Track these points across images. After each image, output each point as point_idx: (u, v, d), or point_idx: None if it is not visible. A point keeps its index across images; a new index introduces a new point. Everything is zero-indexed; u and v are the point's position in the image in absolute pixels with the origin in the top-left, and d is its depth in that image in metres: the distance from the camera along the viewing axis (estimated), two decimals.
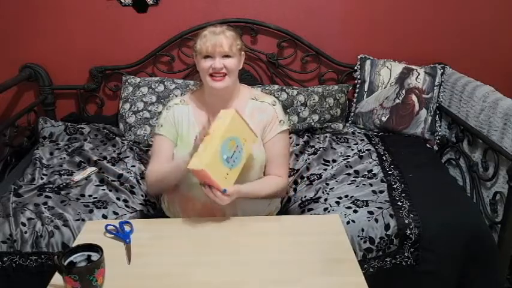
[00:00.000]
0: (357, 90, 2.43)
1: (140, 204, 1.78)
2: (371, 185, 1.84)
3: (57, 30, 2.45)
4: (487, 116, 1.88)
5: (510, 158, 1.68)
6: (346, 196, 1.76)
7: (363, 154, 2.07)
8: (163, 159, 1.55)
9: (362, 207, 1.68)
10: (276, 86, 2.38)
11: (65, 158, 2.10)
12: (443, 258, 1.63)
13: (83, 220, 1.60)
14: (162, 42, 2.47)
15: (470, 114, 2.02)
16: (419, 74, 2.31)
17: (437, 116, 2.32)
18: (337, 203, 1.72)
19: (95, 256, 1.11)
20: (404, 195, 1.75)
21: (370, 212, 1.65)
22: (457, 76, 2.25)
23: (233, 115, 1.41)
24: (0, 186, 1.92)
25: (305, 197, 1.80)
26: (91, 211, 1.68)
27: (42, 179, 1.91)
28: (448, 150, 2.23)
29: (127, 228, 1.35)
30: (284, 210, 1.77)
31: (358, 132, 2.35)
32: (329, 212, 1.67)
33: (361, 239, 1.60)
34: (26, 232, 1.58)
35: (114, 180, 1.90)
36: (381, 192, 1.78)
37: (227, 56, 1.48)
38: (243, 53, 1.57)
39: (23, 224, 1.59)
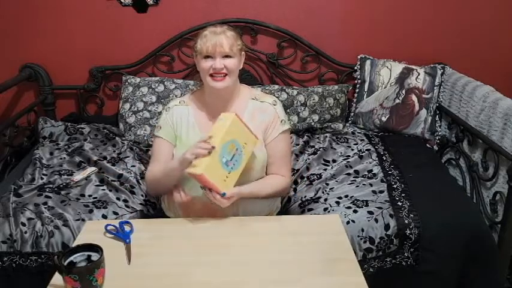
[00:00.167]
0: (357, 90, 2.43)
1: (140, 204, 1.78)
2: (371, 185, 1.84)
3: (57, 30, 2.45)
4: (487, 116, 1.88)
5: (510, 158, 1.68)
6: (346, 196, 1.76)
7: (363, 154, 2.07)
8: (162, 161, 1.56)
9: (362, 207, 1.68)
10: (276, 86, 2.38)
11: (65, 158, 2.10)
12: (443, 258, 1.63)
13: (83, 220, 1.60)
14: (162, 42, 2.47)
15: (470, 114, 2.02)
16: (419, 74, 2.31)
17: (437, 116, 2.32)
18: (337, 203, 1.72)
19: (95, 256, 1.11)
20: (404, 195, 1.75)
21: (370, 212, 1.65)
22: (457, 76, 2.25)
23: (233, 119, 1.41)
24: (0, 186, 1.92)
25: (305, 197, 1.80)
26: (91, 211, 1.68)
27: (42, 179, 1.91)
28: (448, 150, 2.23)
29: (127, 228, 1.35)
30: (284, 210, 1.77)
31: (358, 132, 2.35)
32: (329, 212, 1.67)
33: (361, 239, 1.60)
34: (26, 232, 1.58)
35: (114, 180, 1.90)
36: (381, 192, 1.78)
37: (228, 56, 1.49)
38: (243, 53, 1.57)
39: (23, 224, 1.59)
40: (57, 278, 1.11)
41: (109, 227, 1.34)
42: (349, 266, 1.19)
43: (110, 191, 1.83)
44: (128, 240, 1.29)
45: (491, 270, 1.68)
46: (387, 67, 2.36)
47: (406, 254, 1.62)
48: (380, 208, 1.67)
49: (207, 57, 1.49)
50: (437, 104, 2.32)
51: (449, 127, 2.24)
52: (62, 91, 2.56)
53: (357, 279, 1.14)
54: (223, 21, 2.26)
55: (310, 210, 1.71)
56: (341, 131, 2.33)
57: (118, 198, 1.78)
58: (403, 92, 2.31)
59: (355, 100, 2.44)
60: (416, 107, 2.30)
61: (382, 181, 1.86)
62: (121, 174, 1.94)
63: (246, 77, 2.46)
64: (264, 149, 1.56)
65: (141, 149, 2.21)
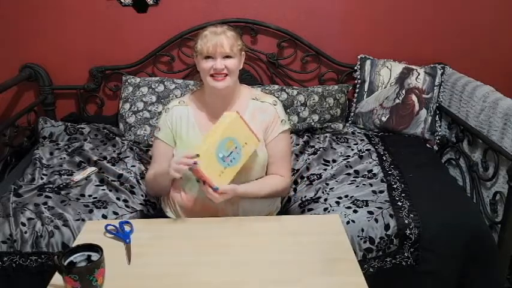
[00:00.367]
0: (357, 90, 2.43)
1: (140, 204, 1.78)
2: (371, 185, 1.84)
3: (57, 30, 2.45)
4: (487, 116, 1.88)
5: (510, 158, 1.68)
6: (346, 196, 1.76)
7: (363, 154, 2.07)
8: (161, 162, 1.56)
9: (362, 207, 1.68)
10: (276, 86, 2.38)
11: (65, 158, 2.09)
12: (443, 258, 1.63)
13: (83, 220, 1.60)
14: (162, 42, 2.47)
15: (470, 114, 2.02)
16: (419, 74, 2.31)
17: (437, 116, 2.32)
18: (337, 203, 1.72)
19: (95, 256, 1.11)
20: (404, 195, 1.75)
21: (370, 212, 1.65)
22: (457, 76, 2.25)
23: (234, 117, 1.42)
24: (0, 186, 1.92)
25: (305, 197, 1.80)
26: (91, 211, 1.68)
27: (42, 179, 1.91)
28: (448, 150, 2.23)
29: (127, 228, 1.35)
30: (284, 210, 1.77)
31: (358, 132, 2.35)
32: (329, 212, 1.67)
33: (361, 239, 1.60)
34: (26, 232, 1.58)
35: (114, 180, 1.90)
36: (381, 192, 1.78)
37: (228, 57, 1.49)
38: (243, 53, 1.57)
39: (23, 224, 1.59)
40: (57, 278, 1.11)
41: (109, 227, 1.34)
42: (349, 266, 1.19)
43: (110, 191, 1.83)
44: (128, 240, 1.29)
45: (491, 270, 1.68)
46: (387, 67, 2.36)
47: (406, 254, 1.62)
48: (380, 208, 1.67)
49: (207, 57, 1.49)
50: (437, 104, 2.32)
51: (449, 127, 2.24)
52: (62, 91, 2.56)
53: (357, 279, 1.14)
54: (223, 21, 2.26)
55: (310, 210, 1.71)
56: (341, 131, 2.33)
57: (118, 198, 1.78)
58: (403, 92, 2.31)
59: (355, 100, 2.44)
60: (416, 107, 2.30)
61: (382, 181, 1.86)
62: (121, 174, 1.94)
63: (246, 77, 2.46)
64: (265, 148, 1.56)
65: (141, 149, 2.21)
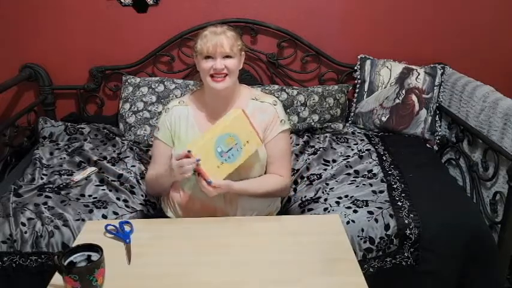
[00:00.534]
0: (357, 90, 2.43)
1: (140, 204, 1.78)
2: (371, 185, 1.84)
3: (57, 30, 2.45)
4: (487, 116, 1.88)
5: (510, 158, 1.68)
6: (346, 196, 1.76)
7: (363, 154, 2.07)
8: (158, 163, 1.57)
9: (362, 207, 1.68)
10: (276, 86, 2.38)
11: (65, 158, 2.09)
12: (443, 258, 1.63)
13: (83, 220, 1.60)
14: (162, 42, 2.47)
15: (470, 114, 2.02)
16: (419, 74, 2.31)
17: (437, 116, 2.32)
18: (337, 203, 1.72)
19: (95, 256, 1.11)
20: (404, 195, 1.75)
21: (370, 212, 1.65)
22: (457, 76, 2.25)
23: (238, 114, 1.43)
24: (0, 186, 1.92)
25: (305, 197, 1.80)
26: (91, 211, 1.68)
27: (42, 179, 1.91)
28: (448, 150, 2.23)
29: (127, 228, 1.35)
30: (284, 210, 1.77)
31: (358, 132, 2.35)
32: (329, 212, 1.67)
33: (361, 239, 1.60)
34: (26, 232, 1.58)
35: (114, 180, 1.90)
36: (381, 192, 1.78)
37: (228, 57, 1.48)
38: (243, 53, 1.57)
39: (23, 224, 1.59)
40: (57, 278, 1.11)
41: (109, 227, 1.34)
42: (349, 266, 1.19)
43: (110, 191, 1.83)
44: (128, 240, 1.29)
45: (491, 270, 1.68)
46: (387, 67, 2.36)
47: (406, 254, 1.62)
48: (380, 208, 1.67)
49: (207, 57, 1.48)
50: (437, 104, 2.32)
51: (449, 127, 2.24)
52: (62, 91, 2.56)
53: (357, 279, 1.14)
54: (223, 21, 2.26)
55: (310, 210, 1.71)
56: (341, 131, 2.33)
57: (118, 198, 1.78)
58: (403, 92, 2.31)
59: (355, 100, 2.44)
60: (416, 107, 2.30)
61: (382, 181, 1.86)
62: (121, 174, 1.94)
63: (246, 77, 2.46)
64: (264, 148, 1.56)
65: (141, 149, 2.21)
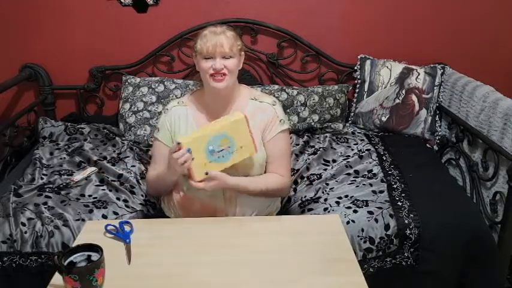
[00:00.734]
0: (357, 90, 2.43)
1: (140, 204, 1.78)
2: (371, 185, 1.84)
3: (57, 30, 2.45)
4: (487, 116, 1.88)
5: (510, 158, 1.68)
6: (346, 196, 1.76)
7: (363, 154, 2.07)
8: (158, 164, 1.57)
9: (362, 207, 1.68)
10: (276, 86, 2.38)
11: (65, 158, 2.09)
12: (443, 258, 1.63)
13: (83, 220, 1.60)
14: (162, 42, 2.47)
15: (470, 114, 2.02)
16: (419, 74, 2.31)
17: (437, 116, 2.32)
18: (337, 203, 1.72)
19: (95, 256, 1.11)
20: (404, 195, 1.75)
21: (370, 212, 1.65)
22: (457, 76, 2.25)
23: (240, 118, 1.42)
24: (0, 186, 1.92)
25: (305, 197, 1.80)
26: (91, 211, 1.68)
27: (42, 179, 1.91)
28: (448, 150, 2.23)
29: (127, 228, 1.35)
30: (284, 210, 1.77)
31: (358, 132, 2.35)
32: (329, 212, 1.67)
33: (361, 239, 1.60)
34: (26, 232, 1.58)
35: (114, 180, 1.90)
36: (381, 192, 1.78)
37: (228, 57, 1.49)
38: (243, 53, 1.57)
39: (23, 224, 1.59)
40: (57, 278, 1.11)
41: (109, 227, 1.34)
42: (349, 266, 1.19)
43: (110, 191, 1.83)
44: (128, 240, 1.29)
45: (491, 270, 1.68)
46: (387, 67, 2.36)
47: (406, 254, 1.62)
48: (380, 208, 1.67)
49: (207, 57, 1.49)
50: (437, 104, 2.32)
51: (449, 127, 2.24)
52: (62, 91, 2.56)
53: (357, 279, 1.14)
54: (223, 21, 2.26)
55: (310, 210, 1.71)
56: (341, 131, 2.33)
57: (118, 198, 1.78)
58: (403, 92, 2.31)
59: (355, 100, 2.44)
60: (416, 107, 2.30)
61: (382, 181, 1.86)
62: (121, 174, 1.94)
63: (246, 77, 2.46)
64: (263, 148, 1.56)
65: (141, 149, 2.21)
